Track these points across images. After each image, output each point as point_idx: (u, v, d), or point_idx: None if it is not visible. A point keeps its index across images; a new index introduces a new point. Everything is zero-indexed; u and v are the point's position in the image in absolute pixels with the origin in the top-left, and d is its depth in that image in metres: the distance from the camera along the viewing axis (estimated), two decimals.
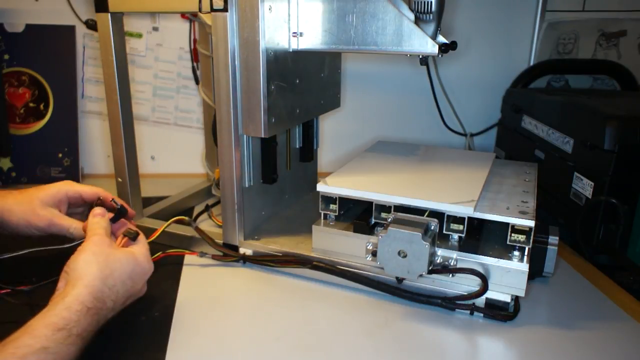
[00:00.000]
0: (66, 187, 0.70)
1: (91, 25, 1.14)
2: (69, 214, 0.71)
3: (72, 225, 0.67)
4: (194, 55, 1.15)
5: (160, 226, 0.77)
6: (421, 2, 0.62)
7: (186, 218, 0.79)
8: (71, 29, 1.14)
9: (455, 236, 0.65)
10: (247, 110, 0.69)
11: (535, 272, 0.69)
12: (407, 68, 1.25)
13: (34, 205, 0.66)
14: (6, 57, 1.12)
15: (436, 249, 0.64)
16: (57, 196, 0.69)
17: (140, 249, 0.61)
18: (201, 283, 0.71)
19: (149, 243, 0.66)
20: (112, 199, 0.69)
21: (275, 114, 0.71)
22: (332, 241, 0.71)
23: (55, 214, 0.67)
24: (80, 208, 0.73)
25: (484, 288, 0.62)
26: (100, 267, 0.54)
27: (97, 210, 0.65)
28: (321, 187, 0.70)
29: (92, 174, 1.22)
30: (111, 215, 0.66)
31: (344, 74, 1.04)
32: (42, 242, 0.68)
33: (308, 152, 0.92)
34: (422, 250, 0.59)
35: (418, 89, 1.24)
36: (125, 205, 0.70)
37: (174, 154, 1.25)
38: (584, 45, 1.26)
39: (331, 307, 0.66)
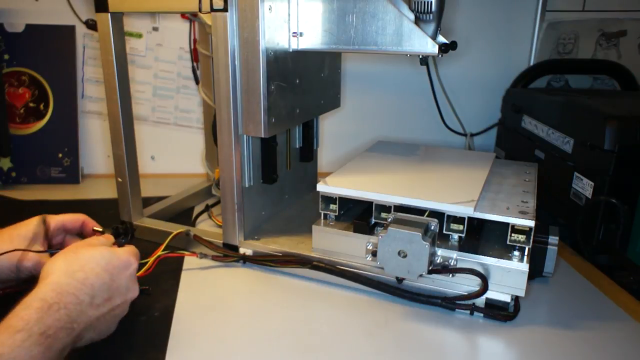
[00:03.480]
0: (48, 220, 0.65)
1: (91, 25, 1.14)
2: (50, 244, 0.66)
3: None
4: (194, 55, 1.15)
5: (162, 241, 0.74)
6: (421, 2, 0.62)
7: (183, 230, 0.78)
8: (71, 29, 1.14)
9: (455, 236, 0.65)
10: (247, 110, 0.69)
11: (535, 272, 0.69)
12: (407, 68, 1.25)
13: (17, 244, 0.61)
14: (6, 57, 1.12)
15: (436, 249, 0.64)
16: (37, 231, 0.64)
17: (123, 247, 0.60)
18: (201, 283, 0.71)
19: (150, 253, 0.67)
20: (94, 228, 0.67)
21: (275, 114, 0.71)
22: (332, 241, 0.71)
23: (42, 256, 0.62)
24: (59, 237, 0.68)
25: (484, 288, 0.62)
26: (68, 262, 0.51)
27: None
28: (321, 187, 0.70)
29: (92, 174, 1.22)
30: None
31: (344, 74, 1.04)
32: None
33: (308, 152, 0.92)
34: (422, 250, 0.59)
35: (418, 89, 1.24)
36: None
37: (174, 154, 1.25)
38: (584, 45, 1.26)
39: (331, 307, 0.66)
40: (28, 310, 0.44)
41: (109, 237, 0.63)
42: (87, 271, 0.51)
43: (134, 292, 0.57)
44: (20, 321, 0.43)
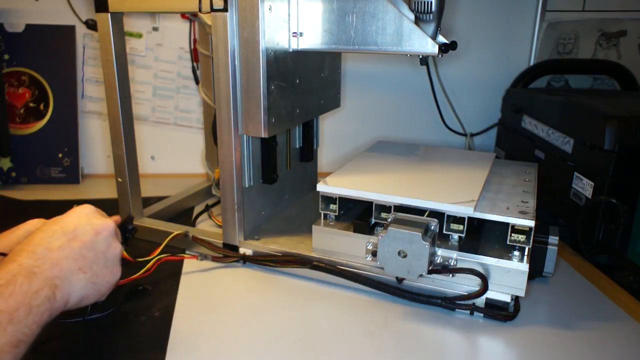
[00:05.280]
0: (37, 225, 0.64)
1: (91, 25, 1.14)
2: None
3: None
4: (194, 55, 1.15)
5: (160, 242, 0.75)
6: (421, 2, 0.62)
7: (182, 231, 0.78)
8: (71, 29, 1.14)
9: (455, 236, 0.65)
10: (247, 110, 0.69)
11: (535, 272, 0.69)
12: (407, 68, 1.25)
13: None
14: (6, 57, 1.12)
15: (436, 249, 0.64)
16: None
17: None
18: (201, 283, 0.71)
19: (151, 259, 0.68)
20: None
21: (275, 114, 0.71)
22: (332, 241, 0.71)
23: None
24: None
25: (484, 288, 0.62)
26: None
27: None
28: (321, 187, 0.70)
29: (92, 174, 1.22)
30: None
31: (344, 74, 1.04)
32: None
33: (308, 152, 0.92)
34: (422, 250, 0.59)
35: (418, 89, 1.24)
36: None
37: (174, 154, 1.25)
38: (584, 45, 1.26)
39: (331, 307, 0.66)
40: None
41: None
42: (34, 237, 0.53)
43: (102, 225, 0.57)
44: None
